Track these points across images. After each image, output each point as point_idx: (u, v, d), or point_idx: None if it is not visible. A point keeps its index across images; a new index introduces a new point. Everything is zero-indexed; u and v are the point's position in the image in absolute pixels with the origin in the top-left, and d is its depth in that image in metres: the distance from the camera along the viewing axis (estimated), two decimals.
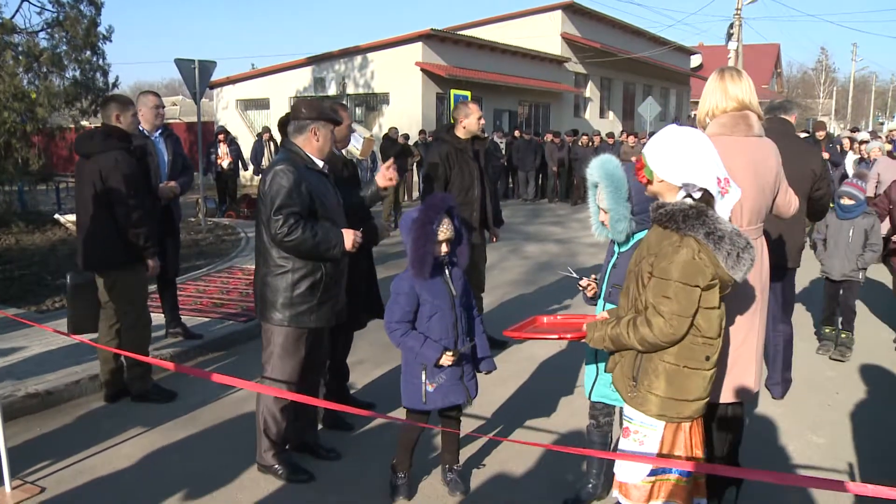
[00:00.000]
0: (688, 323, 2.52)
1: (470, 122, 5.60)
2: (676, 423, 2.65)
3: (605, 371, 2.95)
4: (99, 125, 4.98)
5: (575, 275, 3.52)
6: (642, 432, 2.67)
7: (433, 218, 3.39)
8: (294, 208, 3.59)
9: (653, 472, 2.67)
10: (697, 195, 2.55)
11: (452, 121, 5.77)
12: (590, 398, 3.46)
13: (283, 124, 4.11)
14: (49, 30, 12.90)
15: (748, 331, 3.27)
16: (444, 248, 3.46)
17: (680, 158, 2.52)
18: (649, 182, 2.65)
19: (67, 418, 4.74)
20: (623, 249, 3.25)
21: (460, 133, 5.62)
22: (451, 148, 5.55)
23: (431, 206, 3.42)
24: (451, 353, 3.41)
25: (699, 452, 2.73)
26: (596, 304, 3.37)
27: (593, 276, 3.44)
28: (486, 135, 5.93)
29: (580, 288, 3.42)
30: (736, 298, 3.04)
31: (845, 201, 5.87)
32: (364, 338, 5.78)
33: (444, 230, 3.43)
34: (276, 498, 3.76)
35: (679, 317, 2.49)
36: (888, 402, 5.12)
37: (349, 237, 3.77)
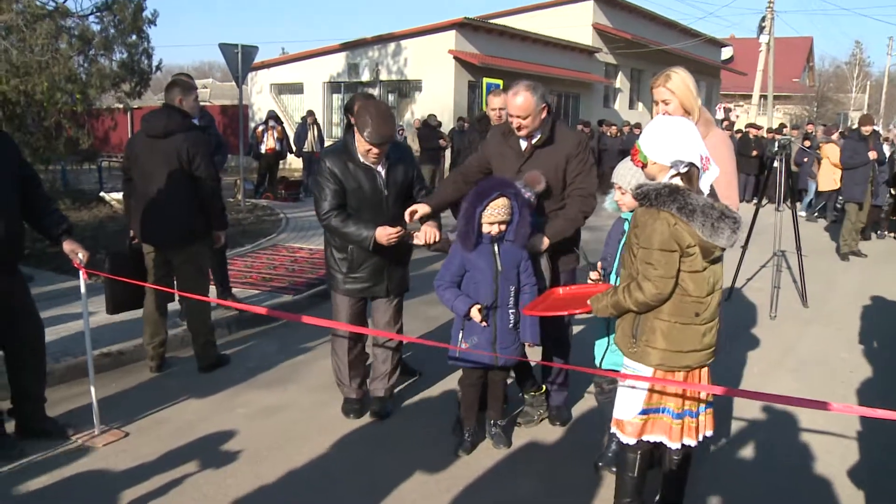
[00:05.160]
0: (671, 283, 2.88)
1: (489, 111, 5.91)
2: (671, 372, 2.99)
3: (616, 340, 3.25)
4: (156, 107, 5.33)
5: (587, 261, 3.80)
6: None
7: (478, 202, 3.72)
8: None
9: (644, 412, 3.07)
10: (684, 171, 2.89)
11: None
12: (600, 366, 3.71)
13: (349, 108, 4.48)
14: (98, 13, 13.33)
15: None
16: (495, 229, 3.77)
17: (667, 141, 2.90)
18: (644, 165, 3.03)
19: (140, 377, 5.17)
20: None
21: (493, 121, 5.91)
22: (477, 136, 5.88)
23: (479, 193, 3.75)
24: (479, 307, 3.78)
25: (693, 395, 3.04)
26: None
27: (599, 263, 3.73)
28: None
29: (590, 281, 3.70)
30: None
31: None
32: (407, 312, 6.14)
33: (492, 214, 3.72)
34: (337, 449, 4.14)
35: (663, 278, 2.86)
36: None
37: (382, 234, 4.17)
